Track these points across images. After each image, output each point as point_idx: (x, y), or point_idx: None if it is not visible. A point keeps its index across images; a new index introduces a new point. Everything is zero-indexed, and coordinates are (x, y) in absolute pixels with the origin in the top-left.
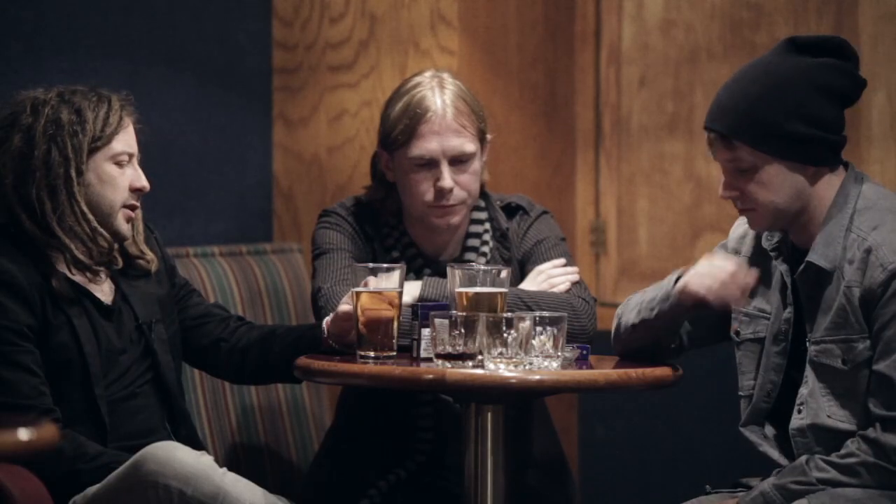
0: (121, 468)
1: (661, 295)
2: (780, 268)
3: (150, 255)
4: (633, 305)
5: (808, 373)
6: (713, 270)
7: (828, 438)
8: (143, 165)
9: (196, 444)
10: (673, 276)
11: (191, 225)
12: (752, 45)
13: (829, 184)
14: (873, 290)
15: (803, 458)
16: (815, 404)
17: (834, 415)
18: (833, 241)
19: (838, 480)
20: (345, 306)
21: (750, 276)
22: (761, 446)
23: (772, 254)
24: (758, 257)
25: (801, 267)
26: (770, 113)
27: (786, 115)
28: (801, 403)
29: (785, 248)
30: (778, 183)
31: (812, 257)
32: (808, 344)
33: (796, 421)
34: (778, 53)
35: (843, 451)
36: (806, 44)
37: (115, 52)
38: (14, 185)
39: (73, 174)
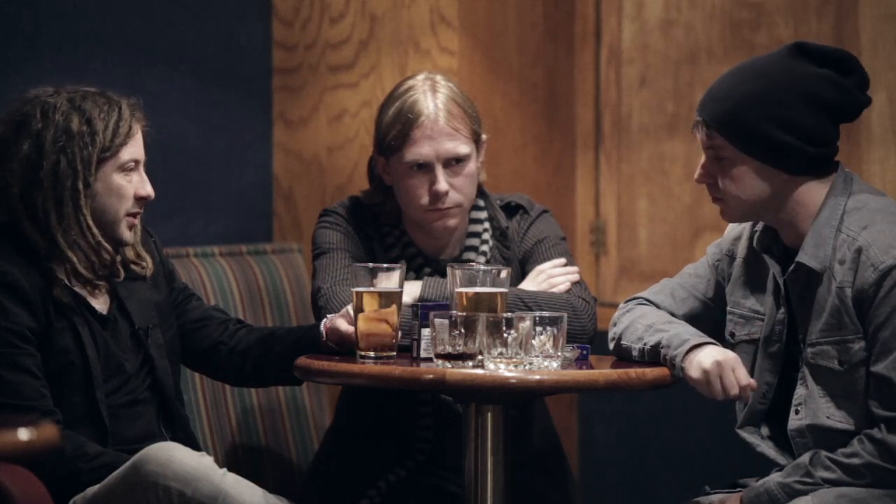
0: (121, 469)
1: (669, 355)
2: (772, 268)
3: (145, 259)
4: (633, 330)
5: (805, 374)
6: (726, 381)
7: (827, 438)
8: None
9: (194, 449)
10: (685, 347)
11: (191, 225)
12: (751, 45)
13: (811, 190)
14: (865, 290)
15: (807, 455)
16: (814, 405)
17: (832, 416)
18: (823, 241)
19: (843, 481)
20: (345, 326)
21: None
22: (759, 447)
23: (764, 255)
24: (752, 258)
25: (791, 268)
26: (751, 113)
27: (766, 119)
28: (799, 404)
29: (776, 248)
30: (747, 181)
31: (801, 258)
32: (802, 346)
33: (794, 422)
34: (781, 56)
35: (848, 450)
36: (811, 51)
37: (115, 52)
38: (20, 194)
39: (81, 186)
